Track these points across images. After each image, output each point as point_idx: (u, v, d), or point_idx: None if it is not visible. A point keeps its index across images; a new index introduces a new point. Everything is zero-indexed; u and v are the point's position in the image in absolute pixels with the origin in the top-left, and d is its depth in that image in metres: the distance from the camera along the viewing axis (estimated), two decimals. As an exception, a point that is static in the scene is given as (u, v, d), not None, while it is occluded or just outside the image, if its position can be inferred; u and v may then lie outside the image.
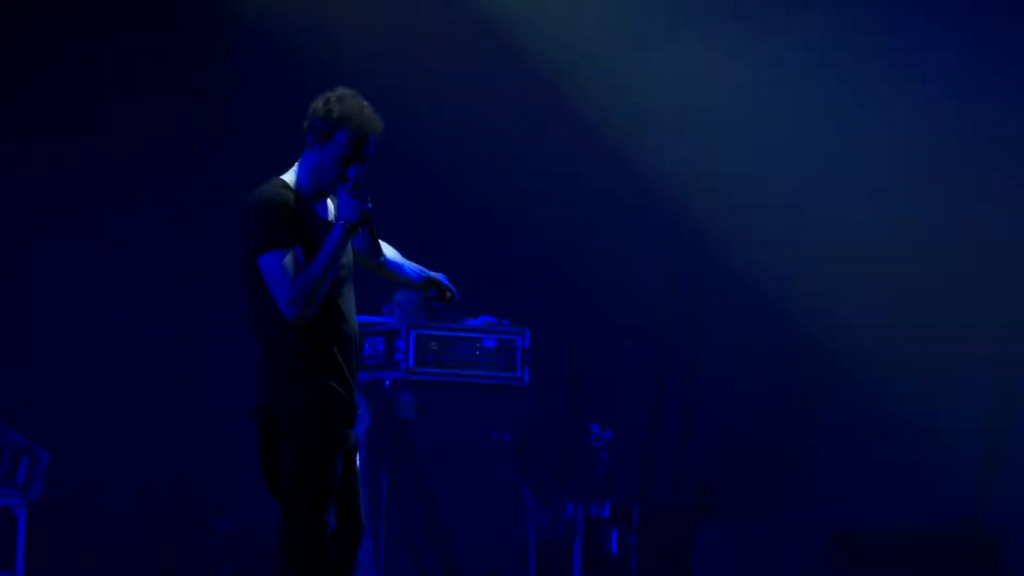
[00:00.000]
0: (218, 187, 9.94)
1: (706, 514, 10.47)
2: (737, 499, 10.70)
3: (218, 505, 10.44)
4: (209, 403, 10.47)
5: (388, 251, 6.46)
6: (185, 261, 10.50)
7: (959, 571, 10.19)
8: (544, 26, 10.55)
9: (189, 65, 10.63)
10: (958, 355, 10.26)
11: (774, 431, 10.93)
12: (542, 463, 9.77)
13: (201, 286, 10.45)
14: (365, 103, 6.16)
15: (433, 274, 6.64)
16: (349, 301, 6.22)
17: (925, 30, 10.50)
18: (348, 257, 6.18)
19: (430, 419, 9.42)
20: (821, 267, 10.42)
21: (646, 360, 11.00)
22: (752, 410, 10.91)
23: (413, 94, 9.72)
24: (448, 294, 6.65)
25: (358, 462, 7.01)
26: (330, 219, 6.25)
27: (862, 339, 10.39)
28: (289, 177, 6.19)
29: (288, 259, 6.03)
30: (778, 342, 10.78)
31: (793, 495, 10.67)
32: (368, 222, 6.12)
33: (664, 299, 11.12)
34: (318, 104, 6.19)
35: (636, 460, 10.32)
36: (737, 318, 10.93)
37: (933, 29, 10.51)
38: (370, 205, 6.08)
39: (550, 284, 10.68)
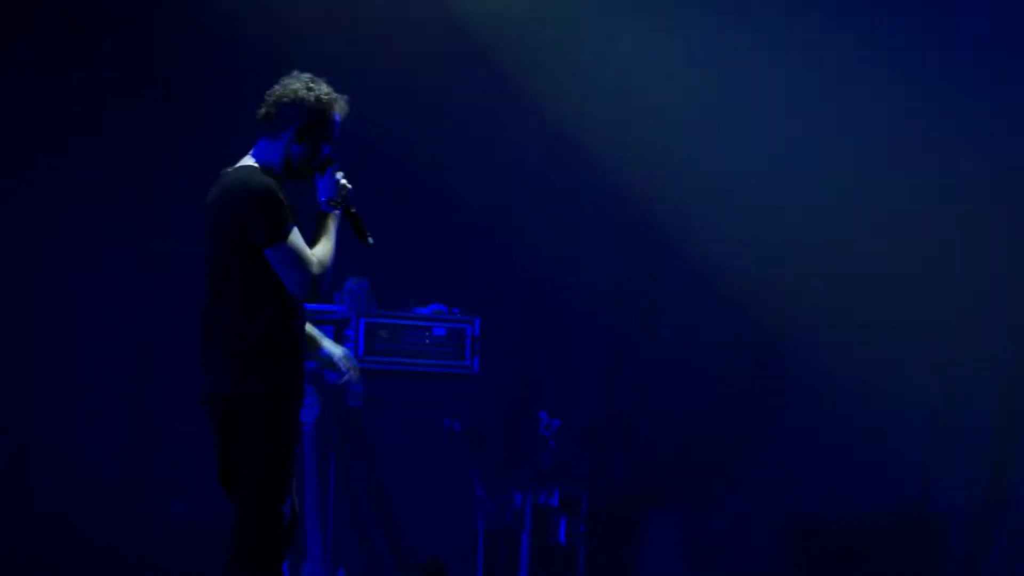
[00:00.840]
0: (172, 187, 10.02)
1: (655, 503, 10.52)
2: (687, 488, 10.72)
3: (175, 488, 10.22)
4: (165, 389, 10.28)
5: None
6: (141, 255, 10.35)
7: (905, 555, 10.30)
8: (504, 22, 10.53)
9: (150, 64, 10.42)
10: (905, 351, 10.30)
11: (724, 421, 10.94)
12: (491, 451, 9.75)
13: (155, 278, 10.32)
14: (326, 85, 6.19)
15: (330, 348, 6.78)
16: None
17: (880, 20, 10.59)
18: None
19: (380, 407, 9.38)
20: (775, 261, 10.43)
21: (597, 349, 11.03)
22: (702, 400, 10.92)
23: (371, 88, 9.39)
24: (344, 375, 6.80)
25: (308, 451, 7.06)
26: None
27: (814, 333, 10.43)
28: (256, 164, 6.19)
29: (300, 241, 6.03)
30: (730, 333, 10.80)
31: (743, 484, 10.68)
32: (349, 202, 6.27)
33: (616, 289, 11.11)
34: (300, 87, 6.18)
35: (585, 449, 10.32)
36: (689, 309, 10.92)
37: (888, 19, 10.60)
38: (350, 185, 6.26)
39: (501, 273, 10.67)
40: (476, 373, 9.50)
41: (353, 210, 6.25)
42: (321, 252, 6.13)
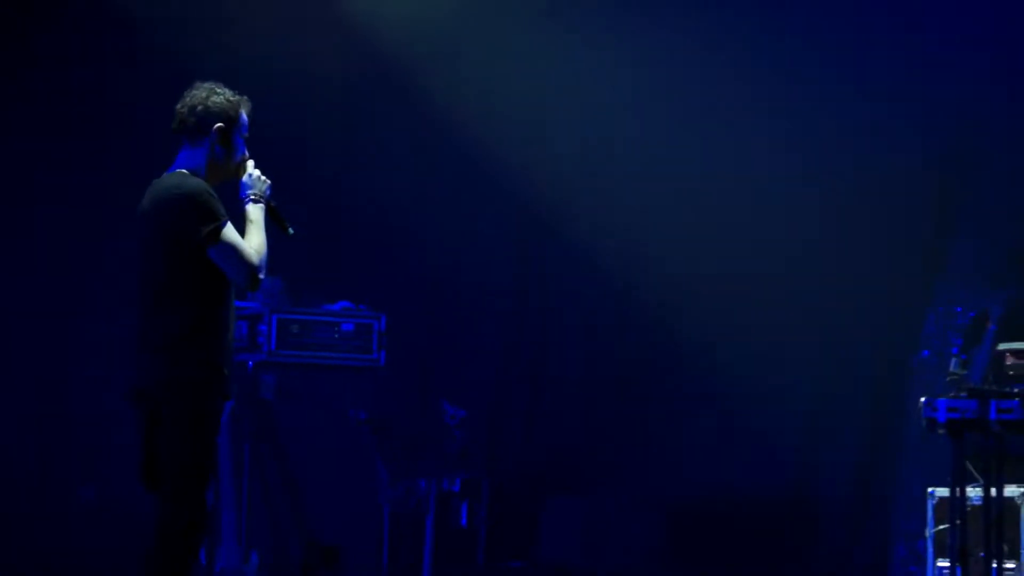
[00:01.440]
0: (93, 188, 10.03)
1: (552, 488, 10.54)
2: (580, 474, 10.73)
3: (84, 473, 10.26)
4: (75, 376, 10.27)
5: None
6: (57, 250, 10.28)
7: (782, 535, 10.36)
8: (394, 19, 10.44)
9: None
10: (785, 345, 10.35)
11: (615, 412, 10.94)
12: (397, 440, 9.70)
13: (68, 274, 10.27)
14: (229, 90, 6.31)
15: None
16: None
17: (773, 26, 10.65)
18: None
19: (291, 398, 9.37)
20: (665, 263, 10.43)
21: (496, 342, 11.07)
22: (596, 390, 10.94)
23: (271, 89, 9.61)
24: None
25: (223, 440, 7.09)
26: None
27: (701, 326, 10.46)
28: (184, 171, 6.24)
29: (236, 235, 6.11)
30: (621, 330, 10.85)
31: (632, 471, 10.70)
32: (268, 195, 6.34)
33: (512, 285, 11.11)
34: (211, 96, 6.28)
35: (486, 437, 10.34)
36: (582, 306, 10.97)
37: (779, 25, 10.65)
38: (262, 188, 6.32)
39: (406, 271, 10.65)
40: (382, 366, 9.50)
41: (272, 203, 6.28)
42: (256, 242, 6.19)
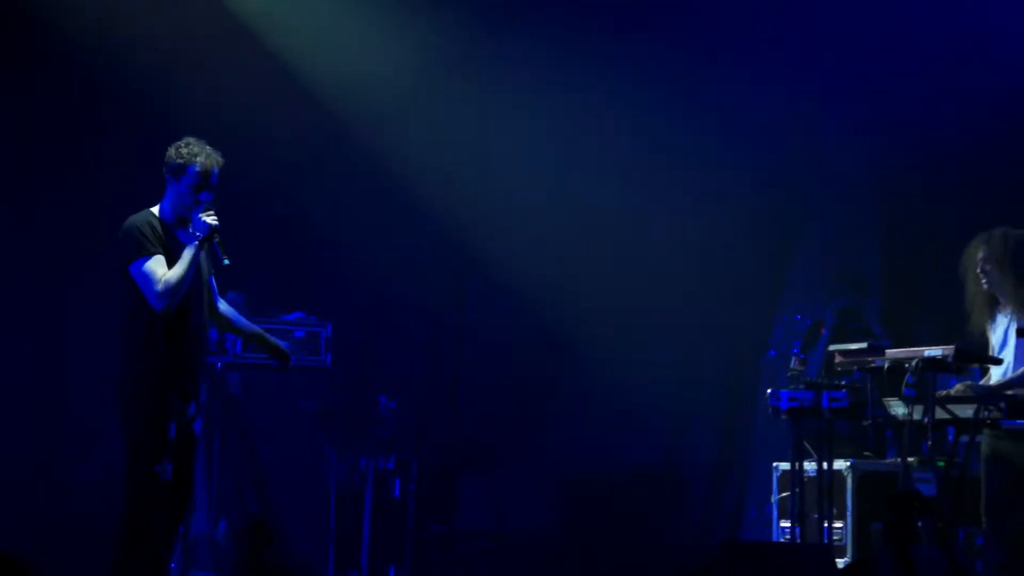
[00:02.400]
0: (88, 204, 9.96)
1: (468, 466, 10.64)
2: (491, 454, 10.83)
3: (83, 454, 10.19)
4: (72, 364, 10.28)
5: (223, 306, 7.00)
6: (52, 258, 10.23)
7: (657, 502, 10.61)
8: (345, 84, 10.44)
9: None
10: (658, 346, 10.62)
11: (522, 400, 11.09)
12: (341, 427, 9.89)
13: (59, 278, 10.26)
14: (207, 145, 6.75)
15: (279, 343, 7.13)
16: (197, 307, 6.70)
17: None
18: (203, 272, 6.72)
19: (253, 393, 9.53)
20: (560, 275, 10.56)
21: (422, 345, 11.05)
22: (506, 383, 11.06)
23: (240, 142, 9.20)
24: (286, 362, 7.11)
25: (197, 430, 7.60)
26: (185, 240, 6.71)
27: (589, 333, 10.64)
28: (155, 209, 6.73)
29: (153, 264, 6.55)
30: (526, 328, 10.89)
31: (533, 449, 10.90)
32: (215, 234, 6.66)
33: (437, 296, 11.05)
34: (171, 150, 6.74)
35: (414, 424, 10.31)
36: (494, 310, 10.96)
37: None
38: (217, 222, 6.65)
39: (348, 288, 10.63)
40: (329, 366, 9.56)
41: (217, 239, 6.63)
42: (171, 274, 6.54)
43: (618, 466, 10.72)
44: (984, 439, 7.82)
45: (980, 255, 7.91)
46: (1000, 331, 7.99)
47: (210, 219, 6.67)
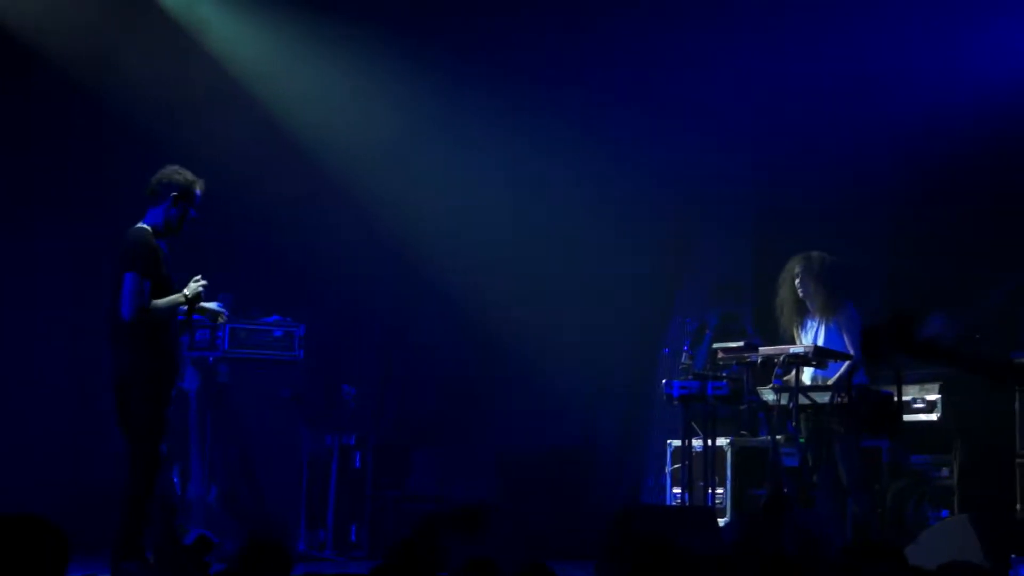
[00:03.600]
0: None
1: (416, 442, 10.57)
2: (437, 432, 10.79)
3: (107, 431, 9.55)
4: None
5: None
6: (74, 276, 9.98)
7: (574, 475, 10.74)
8: (285, 85, 10.27)
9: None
10: (575, 343, 10.68)
11: (463, 388, 11.08)
12: (312, 410, 9.85)
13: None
14: (189, 172, 6.86)
15: (211, 306, 7.05)
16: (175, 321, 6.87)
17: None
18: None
19: (240, 382, 9.42)
20: (495, 285, 10.59)
21: (380, 341, 10.93)
22: (448, 375, 11.08)
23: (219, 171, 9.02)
24: (215, 318, 7.10)
25: (192, 410, 7.86)
26: (166, 251, 6.81)
27: (518, 329, 10.65)
28: (147, 227, 6.82)
29: (142, 285, 6.64)
30: (465, 329, 10.93)
31: (472, 430, 10.89)
32: (194, 303, 6.78)
33: (393, 302, 11.02)
34: (171, 175, 6.86)
35: (373, 407, 10.22)
36: (440, 313, 10.97)
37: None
38: (202, 290, 6.78)
39: (320, 296, 10.59)
40: (301, 359, 9.57)
41: (198, 304, 6.80)
42: (157, 304, 6.64)
43: (540, 442, 10.75)
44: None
45: (798, 269, 8.35)
46: (811, 333, 8.40)
47: (199, 286, 6.83)
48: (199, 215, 6.90)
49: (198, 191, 6.88)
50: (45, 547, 3.63)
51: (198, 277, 6.84)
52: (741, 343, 8.54)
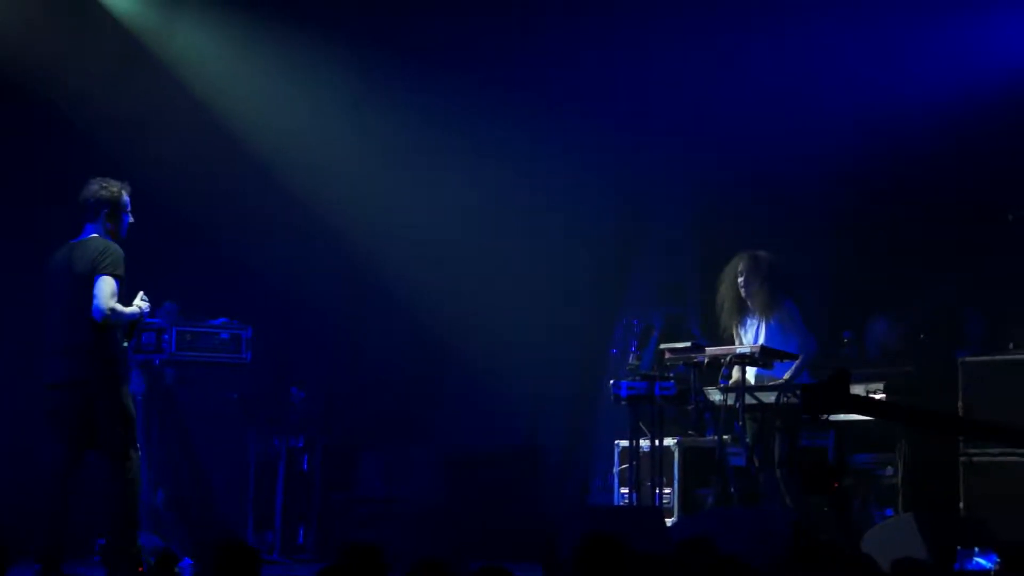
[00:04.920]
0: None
1: (364, 444, 10.55)
2: (385, 435, 10.77)
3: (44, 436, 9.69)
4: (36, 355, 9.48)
5: None
6: None
7: (519, 473, 10.68)
8: (233, 86, 10.27)
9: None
10: (522, 345, 10.66)
11: (411, 390, 11.10)
12: (260, 412, 9.80)
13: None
14: (115, 182, 6.90)
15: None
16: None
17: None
18: None
19: (186, 385, 9.39)
20: (448, 289, 10.65)
21: (329, 345, 11.05)
22: (396, 377, 11.05)
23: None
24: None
25: (139, 413, 7.71)
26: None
27: (467, 335, 10.74)
28: (101, 235, 6.84)
29: (115, 286, 6.74)
30: (413, 331, 10.95)
31: (421, 432, 10.90)
32: (140, 320, 6.90)
33: (343, 306, 11.06)
34: (88, 194, 6.87)
35: (321, 410, 10.29)
36: (388, 316, 10.96)
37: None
38: (147, 310, 6.93)
39: (266, 298, 10.49)
40: (248, 362, 9.46)
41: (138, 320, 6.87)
42: (123, 310, 6.75)
43: (487, 442, 10.74)
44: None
45: (742, 268, 8.34)
46: (751, 331, 8.40)
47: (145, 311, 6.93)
48: (135, 219, 6.98)
49: (127, 198, 6.92)
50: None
51: (142, 294, 6.91)
52: (687, 344, 8.49)
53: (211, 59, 10.31)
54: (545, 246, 10.85)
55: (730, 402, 8.13)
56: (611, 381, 8.74)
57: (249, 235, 10.33)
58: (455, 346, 10.84)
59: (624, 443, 9.16)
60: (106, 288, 6.68)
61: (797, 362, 8.25)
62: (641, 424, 8.70)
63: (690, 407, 8.41)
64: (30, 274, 9.36)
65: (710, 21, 10.04)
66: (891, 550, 5.94)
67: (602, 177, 10.94)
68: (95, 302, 6.63)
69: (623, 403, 8.60)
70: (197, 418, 9.50)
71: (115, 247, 6.82)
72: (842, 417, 8.60)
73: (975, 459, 8.26)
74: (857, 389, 8.80)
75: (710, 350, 8.30)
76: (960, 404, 8.34)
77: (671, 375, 8.59)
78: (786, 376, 8.24)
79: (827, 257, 10.31)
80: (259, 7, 10.23)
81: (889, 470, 8.88)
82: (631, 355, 9.27)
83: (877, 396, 8.74)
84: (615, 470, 9.46)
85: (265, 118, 10.41)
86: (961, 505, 8.24)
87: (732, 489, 8.08)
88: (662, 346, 8.71)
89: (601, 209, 10.99)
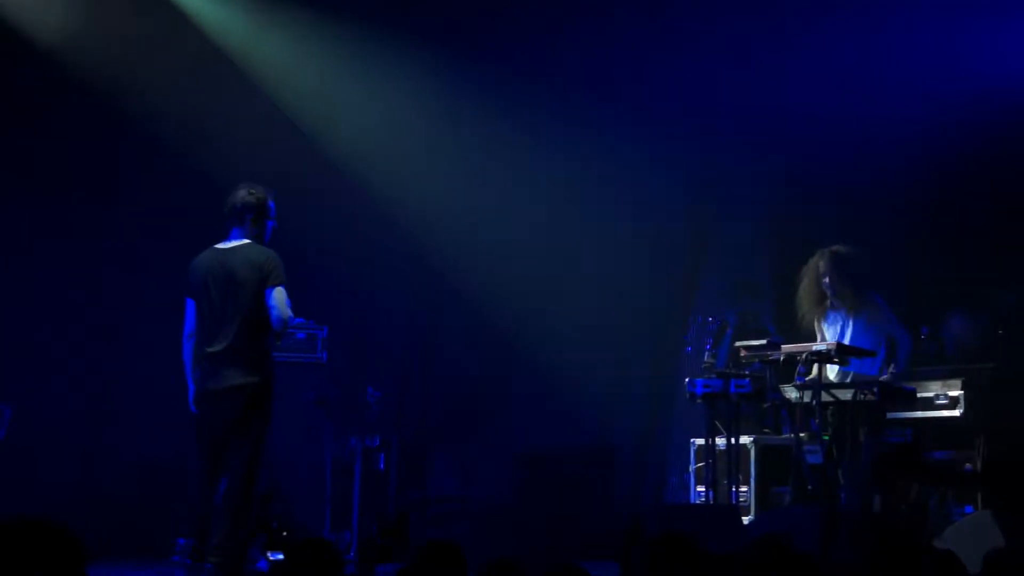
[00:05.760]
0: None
1: (437, 443, 10.66)
2: (457, 434, 10.88)
3: (125, 435, 10.23)
4: (120, 354, 10.30)
5: None
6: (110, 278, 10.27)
7: (592, 470, 10.56)
8: (322, 108, 10.36)
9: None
10: (594, 344, 10.72)
11: (482, 389, 11.15)
12: (336, 412, 9.75)
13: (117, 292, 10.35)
14: (260, 186, 6.98)
15: None
16: None
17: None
18: None
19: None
20: (516, 288, 10.67)
21: (402, 344, 11.11)
22: (468, 376, 11.13)
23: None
24: None
25: None
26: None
27: (538, 333, 10.76)
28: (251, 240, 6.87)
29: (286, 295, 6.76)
30: (487, 333, 11.00)
31: (491, 431, 10.96)
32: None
33: (414, 308, 11.17)
34: (245, 195, 6.91)
35: (395, 410, 10.35)
36: (459, 318, 11.07)
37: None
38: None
39: (342, 298, 10.50)
40: (325, 362, 9.37)
41: None
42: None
43: (562, 443, 10.70)
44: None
45: (823, 266, 8.24)
46: (836, 327, 8.29)
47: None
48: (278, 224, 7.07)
49: (272, 203, 6.98)
50: (59, 554, 3.52)
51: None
52: (763, 341, 8.43)
53: (276, 57, 10.38)
54: (616, 244, 10.85)
55: (806, 399, 8.05)
56: (686, 379, 8.71)
57: (324, 234, 10.38)
58: (527, 345, 10.84)
59: (700, 441, 9.12)
60: (283, 297, 6.74)
61: (900, 359, 8.16)
62: (717, 422, 8.65)
63: (766, 405, 8.44)
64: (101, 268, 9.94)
65: (779, 13, 9.99)
66: (970, 547, 5.84)
67: (673, 174, 10.94)
68: (275, 312, 6.66)
69: (699, 401, 8.56)
70: (275, 419, 9.03)
71: (276, 255, 6.87)
72: (919, 414, 8.50)
73: (1055, 456, 8.15)
74: (935, 386, 8.77)
75: (785, 347, 8.21)
76: (1040, 401, 8.20)
77: (747, 372, 8.55)
78: (890, 372, 8.16)
79: (902, 252, 10.23)
80: (341, 12, 10.31)
81: (968, 467, 8.77)
82: (706, 353, 9.13)
83: (954, 393, 8.63)
84: (691, 468, 9.42)
85: (337, 117, 10.47)
86: (1041, 503, 8.14)
87: (809, 487, 7.98)
88: (737, 343, 8.66)
89: (673, 206, 11.00)
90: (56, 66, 9.67)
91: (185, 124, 9.89)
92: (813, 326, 8.41)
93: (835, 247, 8.34)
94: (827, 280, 8.26)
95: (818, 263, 8.36)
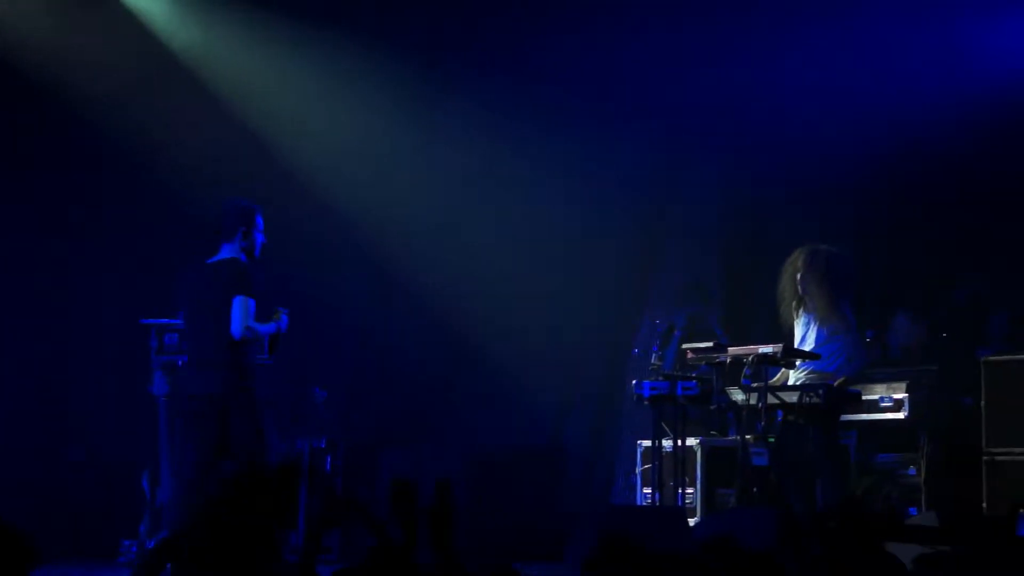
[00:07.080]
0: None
1: (386, 444, 10.55)
2: (406, 435, 10.84)
3: (72, 436, 10.19)
4: (70, 354, 10.31)
5: None
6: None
7: (542, 474, 10.68)
8: (278, 111, 10.38)
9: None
10: (546, 346, 10.80)
11: (432, 393, 11.17)
12: (284, 414, 9.81)
13: (64, 291, 10.38)
14: (245, 200, 7.21)
15: None
16: None
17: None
18: None
19: None
20: (470, 290, 10.70)
21: (351, 346, 11.15)
22: (419, 378, 11.14)
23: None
24: None
25: (162, 418, 7.73)
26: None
27: (490, 334, 10.80)
28: (238, 258, 7.11)
29: (248, 305, 7.04)
30: (436, 333, 11.03)
31: (442, 432, 10.96)
32: (279, 334, 7.21)
33: (364, 307, 11.12)
34: (232, 210, 7.12)
35: (343, 410, 10.40)
36: (411, 318, 11.09)
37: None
38: (284, 325, 7.26)
39: (288, 295, 9.50)
40: (271, 363, 8.89)
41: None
42: (257, 327, 7.10)
43: (509, 442, 10.75)
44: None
45: (799, 262, 8.19)
46: (802, 330, 8.27)
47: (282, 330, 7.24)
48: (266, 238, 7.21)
49: (260, 218, 7.19)
50: (9, 554, 3.50)
51: (284, 309, 7.25)
52: (710, 343, 8.42)
53: (229, 59, 10.42)
54: (567, 246, 10.85)
55: (752, 402, 8.08)
56: (634, 381, 8.69)
57: (271, 233, 10.13)
58: (477, 345, 10.85)
59: (647, 443, 9.12)
60: (242, 308, 6.93)
61: (847, 373, 8.16)
62: (664, 424, 8.66)
63: (713, 407, 8.37)
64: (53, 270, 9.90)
65: (733, 17, 10.03)
66: (914, 548, 5.85)
67: (625, 176, 10.90)
68: (234, 324, 6.92)
69: (646, 403, 8.55)
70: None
71: (249, 269, 7.07)
72: (864, 417, 8.63)
73: (997, 458, 8.24)
74: (879, 389, 8.84)
75: (732, 350, 8.20)
76: (982, 403, 8.33)
77: (693, 375, 8.55)
78: (838, 383, 8.13)
79: (850, 254, 10.19)
80: (295, 14, 10.36)
81: (912, 469, 8.89)
82: (653, 355, 9.22)
83: (898, 396, 8.71)
84: (638, 470, 9.45)
85: (290, 118, 10.50)
86: (984, 504, 8.19)
87: (755, 489, 8.00)
88: (685, 346, 8.65)
89: (623, 208, 10.96)
90: (9, 70, 9.75)
91: (140, 128, 9.97)
92: (791, 325, 8.42)
93: (816, 246, 8.30)
94: (799, 278, 8.30)
95: (796, 259, 8.37)
